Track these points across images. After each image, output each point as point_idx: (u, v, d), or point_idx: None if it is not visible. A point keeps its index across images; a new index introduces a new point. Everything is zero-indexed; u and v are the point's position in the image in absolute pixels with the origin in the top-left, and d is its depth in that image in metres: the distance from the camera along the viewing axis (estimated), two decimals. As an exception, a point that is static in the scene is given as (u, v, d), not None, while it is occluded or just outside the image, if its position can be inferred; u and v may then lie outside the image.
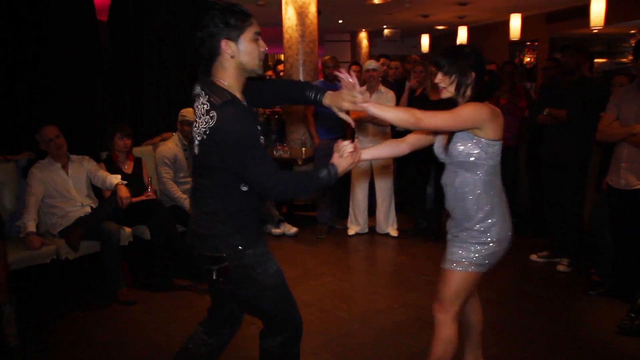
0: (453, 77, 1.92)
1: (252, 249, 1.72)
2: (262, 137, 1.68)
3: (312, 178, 1.70)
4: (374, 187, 4.57)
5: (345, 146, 1.77)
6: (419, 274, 3.67)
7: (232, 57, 1.62)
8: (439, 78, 1.94)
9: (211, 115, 1.57)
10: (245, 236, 1.71)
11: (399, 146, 2.11)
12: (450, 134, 1.94)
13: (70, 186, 3.38)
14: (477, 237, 1.93)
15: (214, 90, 1.61)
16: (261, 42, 1.67)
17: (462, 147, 1.90)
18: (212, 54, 1.63)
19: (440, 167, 5.07)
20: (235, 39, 1.61)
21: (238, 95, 1.67)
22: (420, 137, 2.08)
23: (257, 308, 1.83)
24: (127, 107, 4.63)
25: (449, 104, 4.80)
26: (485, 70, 1.96)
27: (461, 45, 2.09)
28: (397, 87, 4.97)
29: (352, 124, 1.88)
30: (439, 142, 2.01)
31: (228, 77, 1.66)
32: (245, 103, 1.69)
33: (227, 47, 1.61)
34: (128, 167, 3.70)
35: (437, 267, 3.82)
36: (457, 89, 1.94)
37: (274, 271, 1.77)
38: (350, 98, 1.74)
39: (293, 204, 5.25)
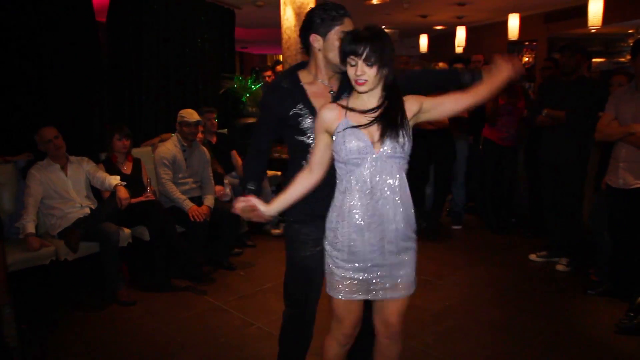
0: (380, 67, 1.59)
1: (299, 226, 1.89)
2: (308, 117, 1.81)
3: (243, 181, 1.95)
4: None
5: (248, 206, 1.75)
6: (418, 274, 3.65)
7: (319, 50, 1.80)
8: (362, 70, 1.58)
9: None
10: (295, 212, 1.85)
11: (309, 176, 1.74)
12: (393, 126, 1.64)
13: (69, 187, 3.37)
14: (413, 248, 1.75)
15: (282, 73, 1.93)
16: None
17: (403, 139, 1.64)
18: (306, 46, 1.85)
19: (442, 166, 4.97)
20: (323, 35, 1.78)
21: (318, 82, 1.86)
22: (324, 153, 1.73)
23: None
24: (126, 108, 4.63)
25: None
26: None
27: (375, 26, 1.63)
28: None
29: None
30: (364, 138, 1.63)
31: (315, 68, 1.86)
32: (304, 87, 1.84)
33: (314, 41, 1.80)
34: (127, 168, 3.70)
35: (436, 268, 3.84)
36: (383, 81, 1.64)
37: (304, 255, 1.89)
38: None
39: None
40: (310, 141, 1.82)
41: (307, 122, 1.82)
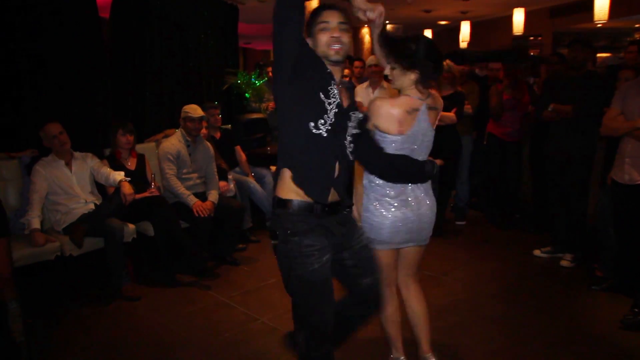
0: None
1: (299, 237, 1.72)
2: (335, 87, 1.78)
3: None
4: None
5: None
6: (422, 269, 3.66)
7: (315, 49, 1.79)
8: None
9: None
10: (293, 223, 1.73)
11: None
12: None
13: (73, 183, 3.39)
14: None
15: None
16: (329, 31, 1.76)
17: None
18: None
19: (447, 162, 4.98)
20: (310, 35, 1.82)
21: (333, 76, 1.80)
22: None
23: (289, 291, 1.83)
24: (130, 104, 4.64)
25: (454, 100, 4.76)
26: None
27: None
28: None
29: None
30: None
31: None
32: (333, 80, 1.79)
33: (310, 42, 1.81)
34: (131, 164, 3.71)
35: (440, 263, 3.83)
36: None
37: (312, 269, 1.72)
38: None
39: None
40: (330, 107, 1.74)
41: (334, 90, 1.76)
